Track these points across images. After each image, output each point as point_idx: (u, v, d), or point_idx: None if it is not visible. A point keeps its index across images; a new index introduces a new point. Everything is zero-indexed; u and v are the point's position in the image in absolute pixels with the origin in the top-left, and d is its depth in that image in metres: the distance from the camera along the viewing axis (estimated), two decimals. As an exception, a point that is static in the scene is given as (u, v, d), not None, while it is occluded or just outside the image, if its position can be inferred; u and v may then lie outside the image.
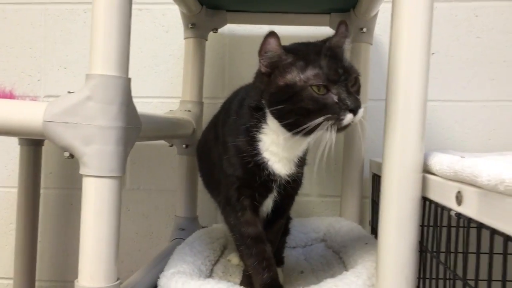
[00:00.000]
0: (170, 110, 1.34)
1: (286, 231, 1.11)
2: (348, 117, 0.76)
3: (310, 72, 0.78)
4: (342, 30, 0.84)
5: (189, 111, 1.32)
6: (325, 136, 0.77)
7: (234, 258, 1.12)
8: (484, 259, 0.57)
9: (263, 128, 0.86)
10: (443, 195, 0.65)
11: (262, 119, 0.86)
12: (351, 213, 1.34)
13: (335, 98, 0.76)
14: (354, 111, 0.76)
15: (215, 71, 1.49)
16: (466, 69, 1.41)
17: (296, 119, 0.78)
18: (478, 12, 1.40)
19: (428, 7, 0.73)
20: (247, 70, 1.41)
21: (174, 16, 1.46)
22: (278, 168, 0.88)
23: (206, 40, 1.36)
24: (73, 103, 0.73)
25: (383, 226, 0.75)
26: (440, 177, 0.67)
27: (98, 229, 0.73)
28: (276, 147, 0.86)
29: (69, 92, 0.74)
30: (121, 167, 0.75)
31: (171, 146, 1.35)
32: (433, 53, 1.41)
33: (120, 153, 0.75)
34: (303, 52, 0.81)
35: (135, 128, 0.81)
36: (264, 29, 1.39)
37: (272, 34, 0.79)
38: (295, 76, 0.79)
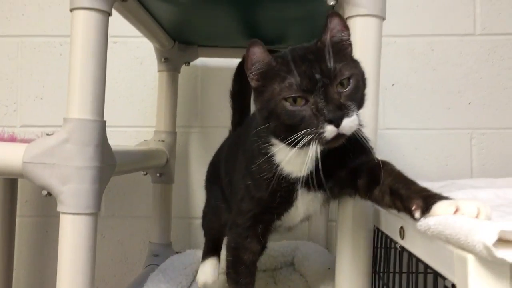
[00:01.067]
0: (145, 140, 1.40)
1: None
2: (329, 129, 0.66)
3: (286, 82, 0.69)
4: (332, 25, 0.73)
5: (163, 141, 1.37)
6: (311, 150, 0.68)
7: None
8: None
9: (272, 142, 0.78)
10: (390, 228, 0.72)
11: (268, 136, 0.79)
12: (319, 236, 1.41)
13: (314, 109, 0.68)
14: (334, 122, 0.66)
15: (188, 101, 1.55)
16: (424, 99, 1.51)
17: (284, 135, 0.71)
18: (434, 46, 1.50)
19: (377, 46, 0.82)
20: (219, 100, 1.49)
21: (148, 49, 1.51)
22: (295, 172, 0.77)
23: (179, 72, 1.42)
24: (51, 145, 0.78)
25: (339, 252, 0.83)
26: (388, 212, 0.74)
27: (74, 263, 0.78)
28: (289, 157, 0.73)
29: (47, 134, 0.80)
30: (96, 204, 0.80)
31: (146, 174, 1.39)
32: (393, 84, 1.50)
33: (96, 191, 0.80)
34: (288, 58, 0.72)
35: (110, 166, 0.86)
36: (235, 61, 1.47)
37: (254, 43, 0.73)
38: (274, 87, 0.71)
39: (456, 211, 0.54)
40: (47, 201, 1.52)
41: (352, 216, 0.81)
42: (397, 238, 0.68)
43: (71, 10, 0.80)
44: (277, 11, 1.07)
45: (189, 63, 1.43)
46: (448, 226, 0.49)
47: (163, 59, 1.37)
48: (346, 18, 0.82)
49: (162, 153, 1.33)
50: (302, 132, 0.68)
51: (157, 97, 1.41)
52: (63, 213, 0.78)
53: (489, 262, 0.44)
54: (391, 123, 1.49)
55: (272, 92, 0.71)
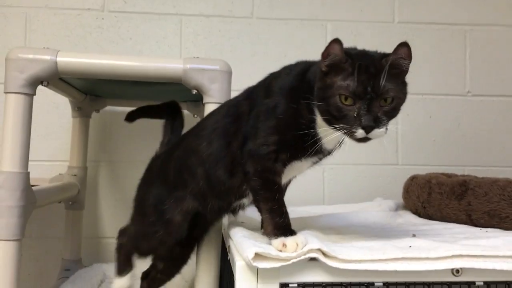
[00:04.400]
0: (60, 174, 1.69)
1: None
2: (359, 132, 0.85)
3: (345, 82, 0.86)
4: (400, 50, 0.88)
5: (75, 175, 1.67)
6: (341, 138, 0.89)
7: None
8: None
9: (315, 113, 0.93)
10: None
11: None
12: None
13: (355, 113, 0.85)
14: (366, 129, 0.84)
15: (99, 139, 1.86)
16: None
17: (327, 118, 0.89)
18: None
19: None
20: (124, 138, 1.80)
21: (63, 96, 1.81)
22: (327, 144, 0.95)
23: (90, 118, 1.73)
24: (-12, 190, 1.08)
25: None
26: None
27: (4, 278, 1.08)
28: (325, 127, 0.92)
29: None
30: (22, 232, 1.12)
31: (60, 202, 1.68)
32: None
33: (21, 223, 1.11)
34: (356, 64, 0.87)
35: (32, 204, 1.17)
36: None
37: (337, 41, 0.87)
38: (337, 80, 0.87)
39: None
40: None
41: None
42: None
43: (5, 92, 1.11)
44: (158, 88, 1.42)
45: (99, 110, 1.75)
46: (240, 244, 0.87)
47: (76, 108, 1.68)
48: (204, 103, 1.19)
49: (74, 185, 1.63)
50: (341, 125, 0.86)
51: (71, 138, 1.70)
52: (-4, 240, 1.08)
53: (250, 266, 0.82)
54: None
55: (333, 83, 0.88)
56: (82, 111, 1.69)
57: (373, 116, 0.85)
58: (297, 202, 1.83)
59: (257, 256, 0.81)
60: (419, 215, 1.38)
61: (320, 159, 1.04)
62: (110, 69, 1.16)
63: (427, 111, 1.95)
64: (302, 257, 0.81)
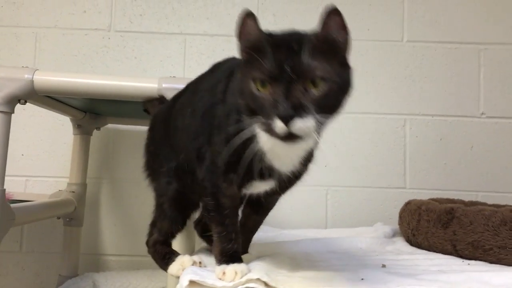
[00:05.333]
0: (59, 190, 1.72)
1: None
2: (278, 125, 0.64)
3: (261, 64, 0.67)
4: (330, 22, 0.70)
5: (73, 192, 1.69)
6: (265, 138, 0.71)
7: None
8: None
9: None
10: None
11: None
12: None
13: (272, 101, 0.66)
14: (284, 119, 0.64)
15: (101, 157, 1.88)
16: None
17: (247, 114, 0.71)
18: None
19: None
20: (126, 156, 1.81)
21: (69, 114, 1.85)
22: (277, 164, 0.79)
23: (91, 135, 1.76)
24: (-39, 206, 1.10)
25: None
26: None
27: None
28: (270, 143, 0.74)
29: (-40, 198, 1.12)
30: (-7, 249, 1.12)
31: (59, 218, 1.71)
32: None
33: (-7, 239, 1.12)
34: (277, 41, 0.70)
35: (9, 220, 1.18)
36: (139, 127, 1.82)
37: (249, 15, 0.70)
38: (255, 65, 0.69)
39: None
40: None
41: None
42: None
43: (-17, 111, 1.14)
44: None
45: (99, 128, 1.77)
46: (184, 272, 0.84)
47: (76, 125, 1.71)
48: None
49: (70, 202, 1.65)
50: (256, 119, 0.68)
51: (71, 155, 1.73)
52: (-33, 255, 1.10)
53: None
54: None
55: (249, 70, 0.70)
56: (82, 129, 1.72)
57: (292, 102, 0.64)
58: (297, 225, 1.79)
59: (193, 283, 0.77)
60: (410, 243, 1.30)
61: (281, 185, 0.87)
62: (86, 88, 1.18)
63: (437, 133, 1.86)
64: (240, 287, 0.77)
